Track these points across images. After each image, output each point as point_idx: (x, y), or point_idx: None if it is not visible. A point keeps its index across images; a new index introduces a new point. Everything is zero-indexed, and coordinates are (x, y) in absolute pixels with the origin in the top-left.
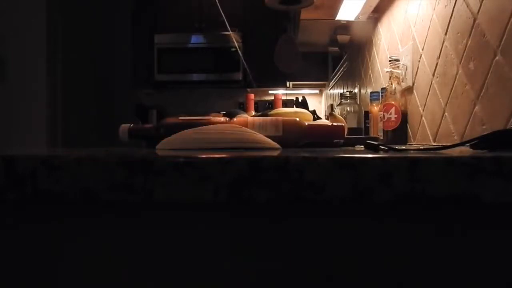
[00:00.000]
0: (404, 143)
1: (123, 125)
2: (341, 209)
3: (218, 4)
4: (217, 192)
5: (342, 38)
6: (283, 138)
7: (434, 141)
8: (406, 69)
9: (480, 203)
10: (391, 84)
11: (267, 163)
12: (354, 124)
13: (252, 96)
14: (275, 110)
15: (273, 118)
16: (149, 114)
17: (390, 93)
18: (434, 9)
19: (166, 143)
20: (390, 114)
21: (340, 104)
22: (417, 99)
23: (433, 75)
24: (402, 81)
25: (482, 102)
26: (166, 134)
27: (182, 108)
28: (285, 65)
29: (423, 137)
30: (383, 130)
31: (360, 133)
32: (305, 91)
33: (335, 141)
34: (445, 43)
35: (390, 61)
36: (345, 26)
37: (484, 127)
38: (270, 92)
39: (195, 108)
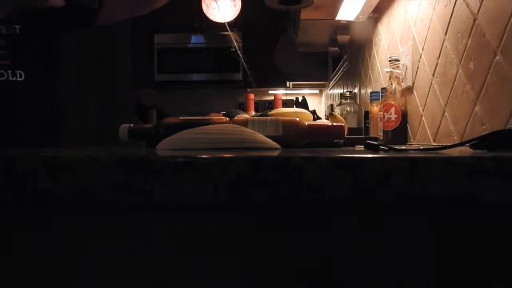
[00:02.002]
0: (404, 143)
1: (123, 125)
2: (341, 209)
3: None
4: (217, 192)
5: (342, 38)
6: (283, 138)
7: (434, 141)
8: (406, 69)
9: (480, 203)
10: (391, 84)
11: (267, 163)
12: (354, 124)
13: (252, 96)
14: (275, 110)
15: (273, 118)
16: (149, 114)
17: (390, 93)
18: (434, 9)
19: (166, 143)
20: (390, 114)
21: (340, 104)
22: (417, 99)
23: (433, 75)
24: (402, 81)
25: (482, 102)
26: (166, 134)
27: (182, 108)
28: (285, 65)
29: (423, 137)
30: (383, 130)
31: (360, 133)
32: (305, 91)
33: (335, 141)
34: (445, 43)
35: (390, 61)
36: (345, 26)
37: (484, 127)
38: (270, 92)
39: (195, 108)
